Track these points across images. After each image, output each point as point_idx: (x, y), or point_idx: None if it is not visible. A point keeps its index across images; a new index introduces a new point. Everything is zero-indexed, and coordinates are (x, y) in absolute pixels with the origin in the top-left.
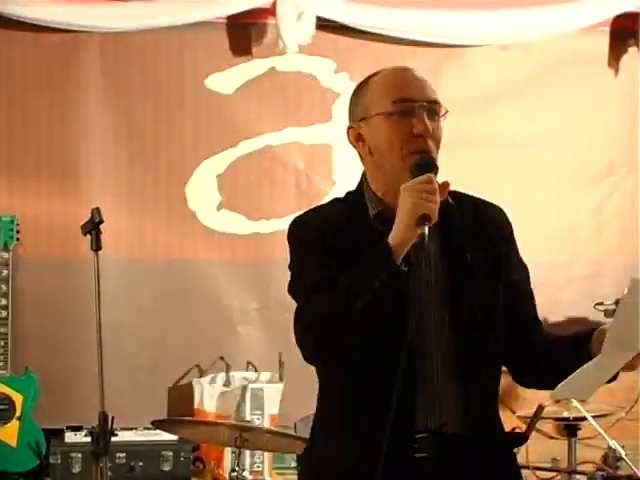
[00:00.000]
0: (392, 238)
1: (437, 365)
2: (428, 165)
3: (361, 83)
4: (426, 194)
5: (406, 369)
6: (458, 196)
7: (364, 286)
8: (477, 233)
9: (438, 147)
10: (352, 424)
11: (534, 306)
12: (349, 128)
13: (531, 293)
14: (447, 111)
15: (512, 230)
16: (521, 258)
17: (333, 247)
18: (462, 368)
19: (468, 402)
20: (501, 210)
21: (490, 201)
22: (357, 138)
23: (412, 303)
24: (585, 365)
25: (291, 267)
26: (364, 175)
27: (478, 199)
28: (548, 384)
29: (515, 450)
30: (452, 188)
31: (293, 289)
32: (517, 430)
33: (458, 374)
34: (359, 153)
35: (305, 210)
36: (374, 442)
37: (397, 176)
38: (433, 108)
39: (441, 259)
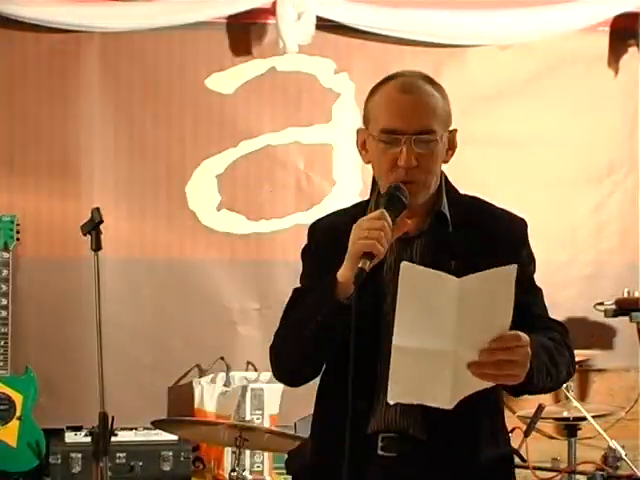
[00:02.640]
0: (339, 274)
1: None
2: (390, 199)
3: (373, 88)
4: (370, 231)
5: (370, 376)
6: (472, 205)
7: (310, 318)
8: (475, 242)
9: (429, 173)
10: (323, 428)
11: (535, 321)
12: (358, 131)
13: (537, 315)
14: (443, 135)
15: (525, 242)
16: (533, 277)
17: (329, 254)
18: None
19: (428, 412)
20: (517, 222)
21: (511, 212)
22: (362, 145)
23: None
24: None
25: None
26: (373, 178)
27: (496, 208)
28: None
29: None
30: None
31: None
32: (516, 429)
33: None
34: (362, 159)
35: (327, 213)
36: (339, 444)
37: None
38: (422, 138)
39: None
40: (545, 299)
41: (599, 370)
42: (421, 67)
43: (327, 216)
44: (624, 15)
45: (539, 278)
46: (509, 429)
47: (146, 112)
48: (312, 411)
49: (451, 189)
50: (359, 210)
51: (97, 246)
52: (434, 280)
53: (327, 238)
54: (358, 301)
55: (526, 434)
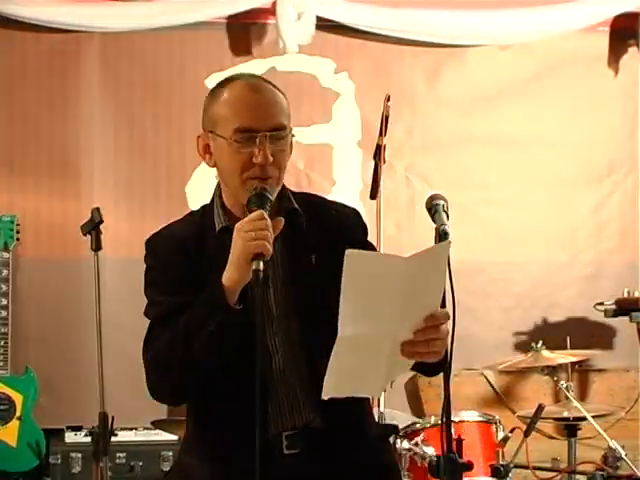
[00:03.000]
0: (226, 279)
1: (293, 369)
2: (261, 198)
3: (214, 89)
4: (255, 232)
5: (261, 383)
6: (309, 201)
7: (200, 328)
8: (326, 235)
9: (281, 169)
10: (210, 439)
11: None
12: (198, 137)
13: None
14: (291, 131)
15: (364, 231)
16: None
17: (179, 267)
18: (312, 368)
19: (320, 401)
20: (355, 213)
21: (346, 204)
22: (205, 149)
23: (257, 332)
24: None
25: (145, 291)
26: (218, 185)
27: (333, 203)
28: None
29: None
30: (452, 190)
31: (146, 314)
32: (516, 429)
33: (310, 375)
34: (206, 163)
35: (160, 227)
36: (232, 449)
37: (239, 195)
38: (275, 134)
39: (285, 265)
40: (545, 299)
41: (599, 370)
42: (421, 67)
43: (164, 229)
44: (624, 15)
45: (539, 278)
46: (509, 429)
47: (146, 112)
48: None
49: (287, 188)
50: (202, 218)
51: (97, 246)
52: (380, 262)
53: (173, 251)
54: (246, 304)
55: (526, 434)
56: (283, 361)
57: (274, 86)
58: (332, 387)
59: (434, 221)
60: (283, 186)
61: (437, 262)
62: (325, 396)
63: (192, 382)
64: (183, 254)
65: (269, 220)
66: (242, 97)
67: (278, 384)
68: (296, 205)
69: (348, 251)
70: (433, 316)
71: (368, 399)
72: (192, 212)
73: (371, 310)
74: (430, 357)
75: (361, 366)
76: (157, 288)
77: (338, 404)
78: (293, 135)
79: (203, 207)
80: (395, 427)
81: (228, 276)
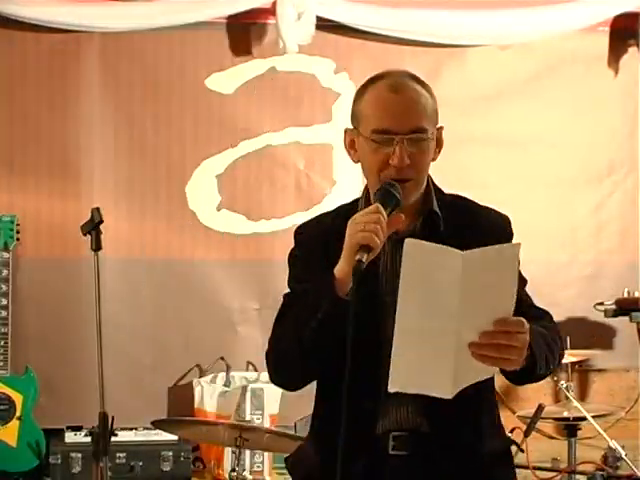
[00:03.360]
0: (337, 270)
1: None
2: (385, 194)
3: (361, 88)
4: (366, 224)
5: (375, 375)
6: (456, 203)
7: (310, 316)
8: (465, 238)
9: (421, 171)
10: (323, 428)
11: (529, 314)
12: (345, 131)
13: (525, 302)
14: (433, 133)
15: (509, 237)
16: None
17: (319, 256)
18: None
19: (430, 405)
20: (502, 218)
21: (494, 209)
22: (350, 145)
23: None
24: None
25: (287, 278)
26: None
27: (482, 207)
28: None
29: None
30: (452, 190)
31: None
32: (516, 429)
33: None
34: (351, 158)
35: (311, 217)
36: (347, 445)
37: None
38: (415, 137)
39: None
40: (545, 299)
41: (599, 370)
42: (421, 67)
43: (313, 219)
44: (624, 15)
45: (539, 278)
46: (509, 429)
47: (146, 112)
48: (312, 411)
49: (437, 188)
50: (347, 211)
51: (97, 246)
52: (438, 254)
53: (315, 241)
54: (357, 297)
55: (526, 434)
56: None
57: (422, 84)
58: (397, 381)
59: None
60: (429, 188)
61: (504, 263)
62: (391, 389)
63: (303, 369)
64: (323, 244)
65: (384, 214)
66: (382, 97)
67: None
68: (436, 207)
69: (407, 240)
70: (503, 320)
71: (491, 415)
72: (343, 204)
73: (430, 302)
74: (503, 364)
75: (425, 362)
76: (294, 276)
77: (447, 412)
78: (431, 137)
79: (353, 200)
80: (508, 442)
81: (339, 267)
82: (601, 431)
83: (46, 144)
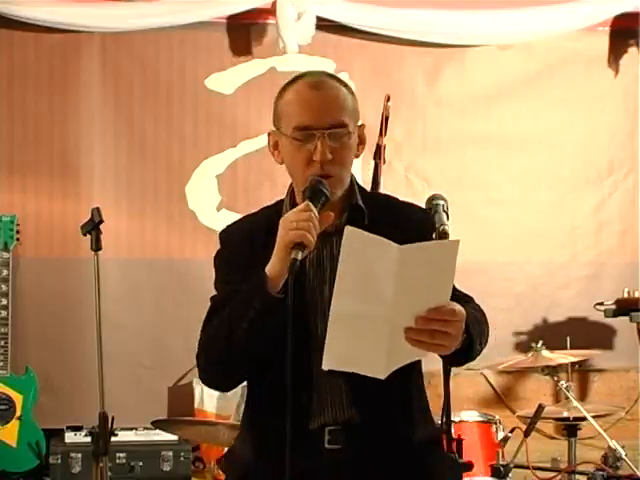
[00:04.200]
0: (269, 268)
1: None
2: (314, 191)
3: (281, 89)
4: (298, 222)
5: (307, 370)
6: (378, 199)
7: (242, 315)
8: (388, 232)
9: (344, 166)
10: (258, 425)
11: (454, 298)
12: (269, 134)
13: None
14: (354, 129)
15: (431, 231)
16: None
17: (244, 257)
18: None
19: (362, 397)
20: (423, 213)
21: (416, 204)
22: (274, 146)
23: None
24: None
25: (214, 281)
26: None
27: (403, 202)
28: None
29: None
30: (452, 190)
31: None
32: (516, 429)
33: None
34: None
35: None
36: (277, 442)
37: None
38: (335, 132)
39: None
40: (545, 299)
41: (599, 370)
42: (421, 67)
43: (238, 221)
44: (624, 15)
45: (539, 278)
46: (509, 429)
47: (146, 112)
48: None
49: (360, 186)
50: (272, 212)
51: (97, 246)
52: (376, 245)
53: (240, 243)
54: (293, 295)
55: (526, 434)
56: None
57: (341, 82)
58: (331, 359)
59: (434, 221)
60: (352, 184)
61: (443, 257)
62: (325, 367)
63: (235, 368)
64: (249, 245)
65: (315, 212)
66: (302, 95)
67: (323, 377)
68: (360, 202)
69: (347, 227)
70: (437, 309)
71: (421, 402)
72: (268, 206)
73: (365, 288)
74: (437, 350)
75: (358, 343)
76: (220, 275)
77: (380, 403)
78: (352, 132)
79: (277, 202)
80: (438, 430)
81: (271, 265)
82: (601, 431)
83: (46, 144)
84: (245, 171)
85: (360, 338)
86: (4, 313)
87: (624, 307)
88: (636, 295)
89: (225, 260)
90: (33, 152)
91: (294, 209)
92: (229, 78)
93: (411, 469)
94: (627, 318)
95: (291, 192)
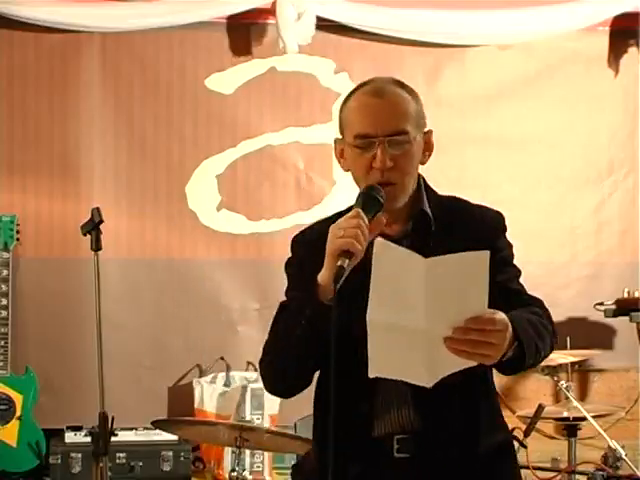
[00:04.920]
0: (320, 276)
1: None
2: (365, 198)
3: (345, 98)
4: (345, 230)
5: (365, 377)
6: (448, 203)
7: (295, 323)
8: (457, 237)
9: (405, 172)
10: (323, 432)
11: (519, 303)
12: (335, 141)
13: (514, 290)
14: (416, 135)
15: (500, 233)
16: (509, 259)
17: (313, 263)
18: None
19: (426, 404)
20: (496, 214)
21: (487, 206)
22: (340, 154)
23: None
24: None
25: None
26: None
27: (474, 205)
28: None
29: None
30: (451, 190)
31: None
32: (516, 429)
33: None
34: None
35: (310, 223)
36: (347, 447)
37: None
38: (395, 140)
39: None
40: (545, 299)
41: (599, 370)
42: (421, 67)
43: (309, 227)
44: (624, 15)
45: (539, 278)
46: (510, 428)
47: (146, 112)
48: (312, 411)
49: (429, 190)
50: (341, 217)
51: (97, 246)
52: (404, 257)
53: (310, 250)
54: (340, 300)
55: (526, 434)
56: None
57: (406, 89)
58: (376, 367)
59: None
60: (420, 189)
61: (473, 268)
62: (371, 375)
63: (294, 376)
64: (318, 251)
65: (365, 219)
66: (362, 103)
67: (389, 383)
68: (426, 207)
69: (377, 239)
70: (475, 319)
71: (489, 410)
72: (339, 212)
73: (397, 300)
74: (480, 359)
75: (397, 352)
76: (290, 282)
77: (447, 412)
78: (416, 139)
79: (351, 207)
80: (508, 437)
81: (322, 273)
82: (601, 431)
83: (46, 144)
84: (245, 171)
85: (398, 347)
86: (4, 313)
87: (624, 307)
88: (636, 295)
89: (294, 267)
90: (33, 152)
91: (344, 216)
92: (229, 78)
93: (476, 476)
94: (627, 318)
95: None
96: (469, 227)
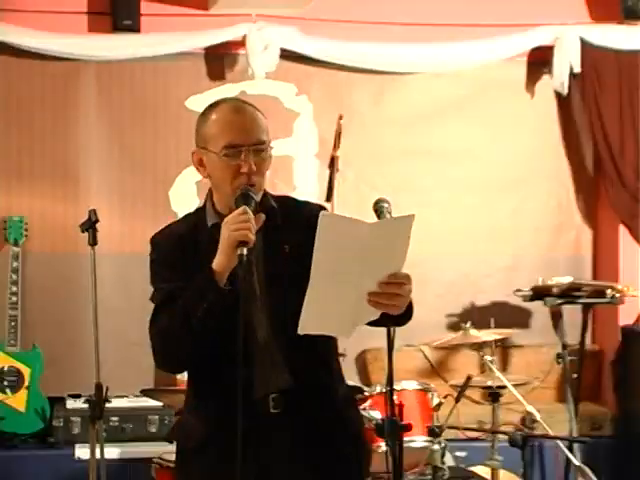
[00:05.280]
0: (216, 264)
1: (276, 340)
2: (246, 198)
3: (204, 112)
4: (239, 224)
5: (246, 350)
6: (284, 201)
7: (196, 306)
8: (297, 228)
9: (263, 176)
10: (205, 402)
11: None
12: (193, 153)
13: None
14: (269, 144)
15: None
16: None
17: (178, 258)
18: (290, 338)
19: (296, 366)
20: (319, 206)
21: (312, 201)
22: (199, 163)
23: (244, 306)
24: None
25: (150, 280)
26: (209, 190)
27: (302, 201)
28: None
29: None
30: (396, 194)
31: (152, 300)
32: (449, 396)
33: (288, 343)
34: (201, 174)
35: (163, 226)
36: (223, 411)
37: (229, 199)
38: (258, 148)
39: (265, 253)
40: (472, 286)
41: (518, 346)
42: (368, 91)
43: (166, 227)
44: (539, 48)
45: (467, 268)
46: (443, 396)
47: (135, 128)
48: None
49: (266, 192)
50: (195, 218)
51: (93, 242)
52: (350, 225)
53: (171, 245)
54: (243, 283)
55: (457, 400)
56: (266, 334)
57: (254, 107)
58: (307, 325)
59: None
60: (264, 190)
61: (400, 231)
62: (301, 331)
63: (189, 351)
64: (180, 248)
65: (252, 214)
66: (228, 118)
67: (264, 353)
68: (274, 204)
69: (322, 212)
70: (395, 275)
71: (334, 367)
72: (188, 214)
73: (338, 264)
74: (392, 309)
75: (330, 309)
76: (160, 277)
77: (310, 370)
78: (271, 147)
79: (197, 210)
80: (359, 388)
81: (218, 262)
82: (520, 397)
83: (50, 156)
84: None
85: (331, 305)
86: (14, 298)
87: (539, 293)
88: (548, 283)
89: (161, 262)
90: (39, 163)
91: (233, 213)
92: (206, 99)
93: (336, 420)
94: (542, 302)
95: (211, 200)
96: (303, 217)
